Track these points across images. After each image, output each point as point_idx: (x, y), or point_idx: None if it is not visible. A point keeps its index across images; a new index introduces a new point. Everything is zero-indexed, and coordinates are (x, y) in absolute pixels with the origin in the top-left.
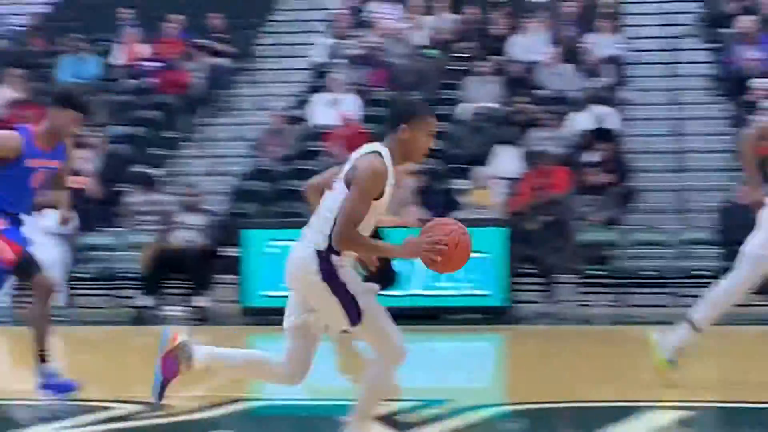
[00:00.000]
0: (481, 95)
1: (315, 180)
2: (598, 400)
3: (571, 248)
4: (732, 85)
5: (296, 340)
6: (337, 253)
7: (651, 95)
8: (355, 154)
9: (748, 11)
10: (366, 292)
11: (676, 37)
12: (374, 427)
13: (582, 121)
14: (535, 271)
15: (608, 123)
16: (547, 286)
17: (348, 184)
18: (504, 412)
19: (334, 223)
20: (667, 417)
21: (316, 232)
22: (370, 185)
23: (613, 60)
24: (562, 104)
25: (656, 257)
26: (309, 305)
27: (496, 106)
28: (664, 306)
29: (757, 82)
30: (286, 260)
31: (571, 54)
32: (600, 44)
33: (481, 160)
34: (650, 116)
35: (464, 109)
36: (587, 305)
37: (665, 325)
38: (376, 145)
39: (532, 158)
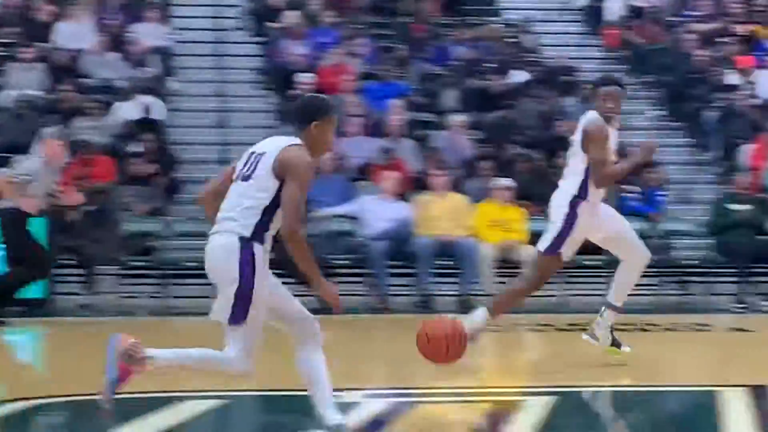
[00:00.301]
0: (23, 82)
1: (210, 187)
2: (139, 391)
3: (114, 239)
4: (278, 78)
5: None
6: (261, 242)
7: (198, 86)
8: (269, 146)
9: (292, 6)
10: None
11: (224, 30)
12: None
13: (127, 110)
14: (76, 262)
15: (154, 113)
16: (87, 278)
17: (277, 174)
18: (31, 406)
19: (264, 214)
20: (204, 406)
21: (237, 223)
22: (309, 177)
23: (160, 50)
24: (108, 93)
25: (199, 249)
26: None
27: (39, 93)
28: (206, 297)
29: (302, 77)
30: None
31: (117, 43)
32: (147, 34)
33: (22, 148)
34: (196, 108)
35: (6, 96)
36: (130, 297)
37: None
38: (292, 138)
39: (75, 147)
